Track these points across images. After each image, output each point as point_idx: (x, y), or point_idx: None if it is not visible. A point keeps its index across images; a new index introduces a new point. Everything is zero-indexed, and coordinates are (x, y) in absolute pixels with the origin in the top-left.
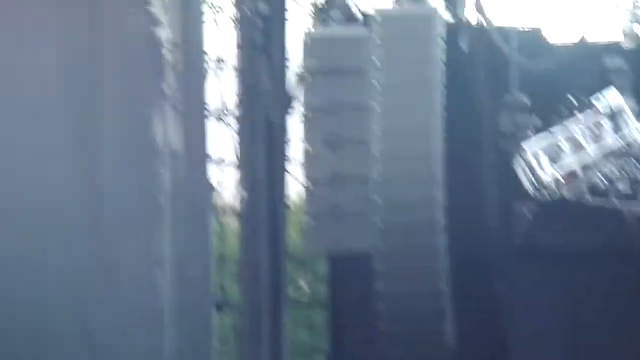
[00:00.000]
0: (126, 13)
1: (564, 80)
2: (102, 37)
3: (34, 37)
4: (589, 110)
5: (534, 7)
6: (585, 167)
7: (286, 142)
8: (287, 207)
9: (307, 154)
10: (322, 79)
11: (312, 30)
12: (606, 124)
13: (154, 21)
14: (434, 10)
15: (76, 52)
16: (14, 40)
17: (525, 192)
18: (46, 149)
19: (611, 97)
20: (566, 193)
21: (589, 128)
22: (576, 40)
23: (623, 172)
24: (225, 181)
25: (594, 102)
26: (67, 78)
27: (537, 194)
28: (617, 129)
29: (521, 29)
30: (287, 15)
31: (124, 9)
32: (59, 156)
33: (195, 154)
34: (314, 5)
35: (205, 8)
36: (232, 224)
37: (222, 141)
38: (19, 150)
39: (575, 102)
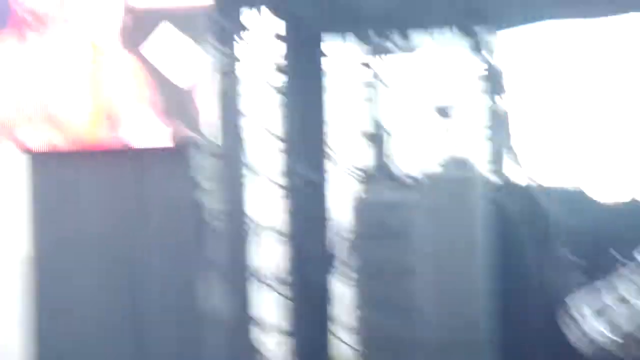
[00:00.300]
0: (171, 179)
1: (608, 236)
2: (147, 202)
3: (82, 198)
4: (634, 266)
5: (579, 164)
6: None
7: (333, 306)
8: None
9: (357, 319)
10: (370, 242)
11: (360, 193)
12: None
13: (198, 187)
14: (480, 173)
15: (122, 216)
16: (63, 201)
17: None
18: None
19: None
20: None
21: (634, 283)
22: (624, 199)
23: None
24: (272, 346)
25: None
26: (113, 240)
27: (590, 353)
28: None
29: (566, 187)
30: (334, 179)
31: (169, 176)
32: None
33: (240, 318)
34: (360, 169)
35: (247, 172)
36: None
37: (268, 306)
38: None
39: (620, 258)
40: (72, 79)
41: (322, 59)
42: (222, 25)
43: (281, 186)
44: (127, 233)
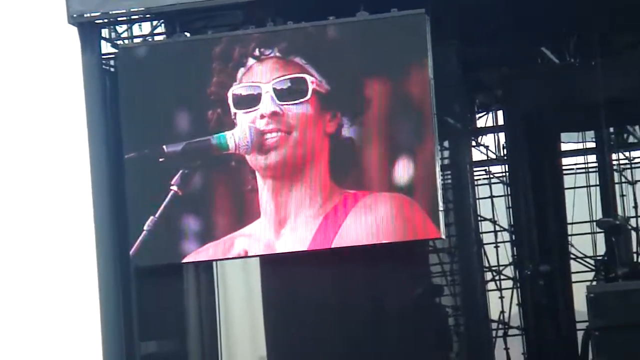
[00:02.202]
0: (409, 285)
1: None
2: (385, 304)
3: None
4: None
5: None
6: None
7: None
8: None
9: None
10: (611, 335)
11: (595, 285)
12: None
13: (438, 290)
14: None
15: (361, 316)
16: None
17: None
18: None
19: None
20: None
21: None
22: None
23: None
24: None
25: None
26: (348, 340)
27: None
28: None
29: None
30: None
31: (406, 281)
32: None
33: None
34: (597, 260)
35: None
36: None
37: None
38: None
39: None
40: None
41: (555, 151)
42: (455, 126)
43: (513, 278)
44: (362, 333)
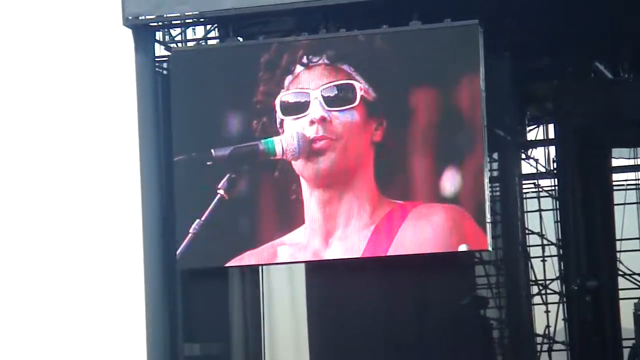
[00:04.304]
0: (454, 296)
1: None
2: (430, 314)
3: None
4: None
5: None
6: None
7: None
8: None
9: None
10: None
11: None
12: None
13: (483, 302)
14: None
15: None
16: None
17: None
18: None
19: None
20: None
21: None
22: None
23: None
24: None
25: None
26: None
27: None
28: None
29: None
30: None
31: (451, 292)
32: None
33: None
34: None
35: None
36: None
37: None
38: None
39: None
40: None
41: (605, 167)
42: (505, 139)
43: (560, 293)
44: (407, 342)
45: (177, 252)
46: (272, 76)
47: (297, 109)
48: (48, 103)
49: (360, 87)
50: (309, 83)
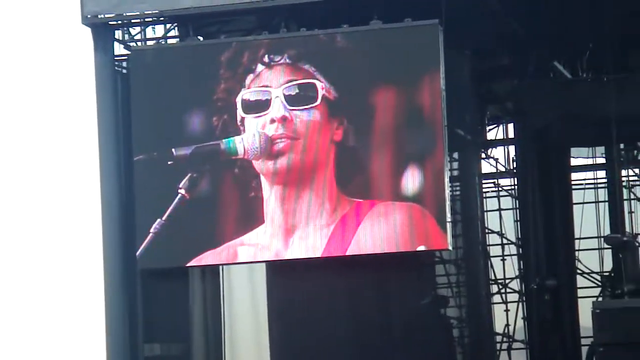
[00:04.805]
0: (414, 295)
1: None
2: (390, 313)
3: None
4: None
5: None
6: None
7: None
8: None
9: None
10: (616, 352)
11: (601, 300)
12: None
13: (444, 301)
14: None
15: (366, 325)
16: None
17: None
18: None
19: None
20: None
21: None
22: None
23: None
24: None
25: None
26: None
27: None
28: None
29: None
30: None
31: (412, 291)
32: None
33: None
34: (604, 276)
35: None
36: None
37: None
38: None
39: None
40: None
41: (564, 166)
42: (465, 138)
43: (519, 292)
44: (367, 342)
45: (138, 252)
46: (234, 74)
47: (258, 107)
48: (5, 102)
49: (321, 86)
50: (270, 81)
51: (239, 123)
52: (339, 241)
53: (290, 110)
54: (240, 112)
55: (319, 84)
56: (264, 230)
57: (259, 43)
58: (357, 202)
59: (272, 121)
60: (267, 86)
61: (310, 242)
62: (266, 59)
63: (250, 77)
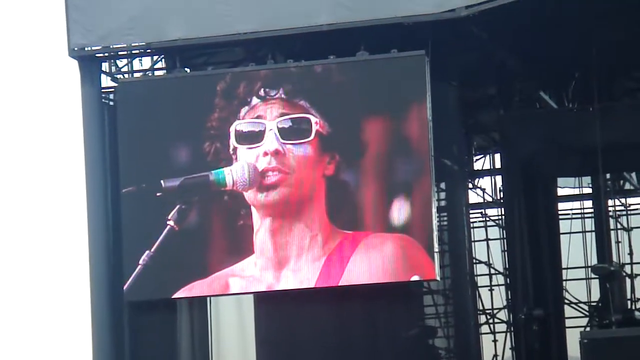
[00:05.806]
0: (403, 325)
1: None
2: (379, 344)
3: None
4: None
5: None
6: None
7: None
8: None
9: None
10: None
11: (589, 330)
12: None
13: (432, 332)
14: None
15: (354, 356)
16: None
17: None
18: None
19: None
20: None
21: None
22: None
23: None
24: None
25: None
26: None
27: None
28: None
29: None
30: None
31: (400, 322)
32: None
33: None
34: (591, 305)
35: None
36: None
37: None
38: None
39: None
40: None
41: (551, 196)
42: (452, 168)
43: (507, 322)
44: None
45: (125, 284)
46: (229, 104)
47: (251, 138)
48: None
49: (315, 121)
50: (265, 113)
51: (231, 152)
52: (332, 272)
53: (284, 144)
54: (233, 142)
55: (313, 119)
56: (254, 261)
57: (256, 75)
58: (348, 234)
59: (265, 154)
60: (261, 117)
61: (302, 275)
62: (262, 92)
63: (246, 108)
